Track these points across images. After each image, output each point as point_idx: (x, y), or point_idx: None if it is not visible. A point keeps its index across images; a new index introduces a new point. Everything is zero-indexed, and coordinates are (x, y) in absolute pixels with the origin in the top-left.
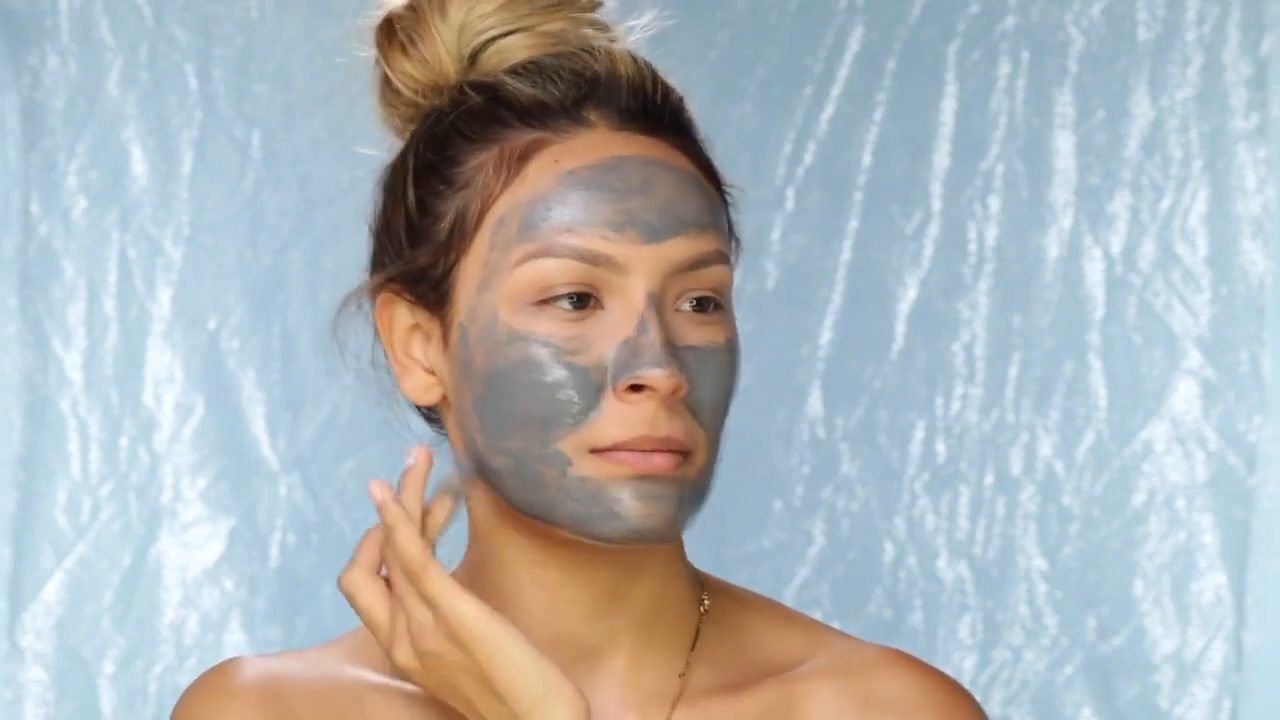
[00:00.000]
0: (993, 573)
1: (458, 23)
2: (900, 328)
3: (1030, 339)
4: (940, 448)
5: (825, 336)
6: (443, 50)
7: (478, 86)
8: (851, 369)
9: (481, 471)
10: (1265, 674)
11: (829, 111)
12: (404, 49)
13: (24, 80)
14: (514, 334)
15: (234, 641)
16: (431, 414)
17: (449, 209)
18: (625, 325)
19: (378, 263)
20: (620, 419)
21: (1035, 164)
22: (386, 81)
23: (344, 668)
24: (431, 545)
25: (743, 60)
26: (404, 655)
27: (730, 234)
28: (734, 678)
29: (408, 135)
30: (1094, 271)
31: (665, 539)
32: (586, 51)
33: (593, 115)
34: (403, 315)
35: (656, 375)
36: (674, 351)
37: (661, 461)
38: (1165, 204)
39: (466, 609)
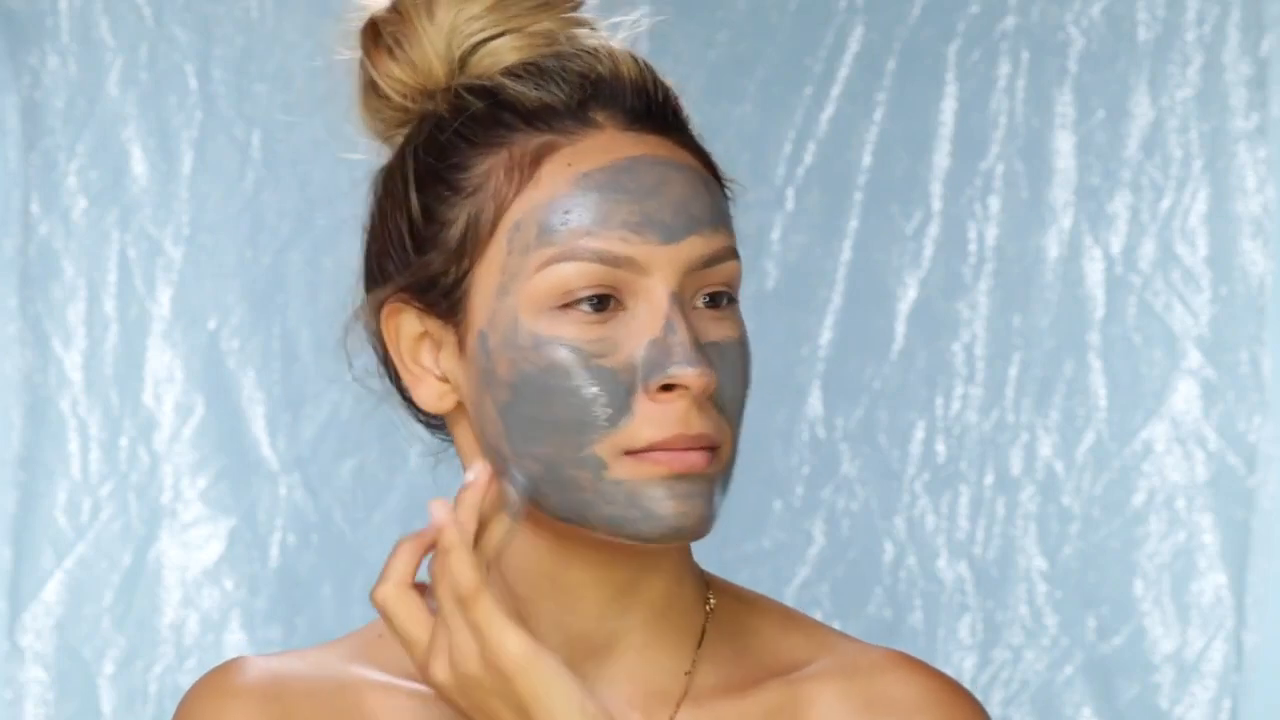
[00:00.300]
0: (993, 573)
1: (446, 25)
2: (900, 328)
3: (1030, 339)
4: (940, 448)
5: (825, 336)
6: (431, 53)
7: (475, 90)
8: (851, 369)
9: (505, 476)
10: (1265, 674)
11: (829, 111)
12: (390, 52)
13: (24, 80)
14: (538, 339)
15: (234, 641)
16: (432, 421)
17: (459, 215)
18: (652, 325)
19: (379, 271)
20: (654, 419)
21: (1035, 164)
22: (372, 85)
23: (346, 667)
24: (485, 566)
25: (743, 60)
26: (442, 673)
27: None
28: (739, 678)
29: (396, 139)
30: (1094, 271)
31: (701, 535)
32: (588, 52)
33: (599, 116)
34: (410, 323)
35: (690, 374)
36: (702, 349)
37: (696, 459)
38: (1165, 204)
39: (513, 641)
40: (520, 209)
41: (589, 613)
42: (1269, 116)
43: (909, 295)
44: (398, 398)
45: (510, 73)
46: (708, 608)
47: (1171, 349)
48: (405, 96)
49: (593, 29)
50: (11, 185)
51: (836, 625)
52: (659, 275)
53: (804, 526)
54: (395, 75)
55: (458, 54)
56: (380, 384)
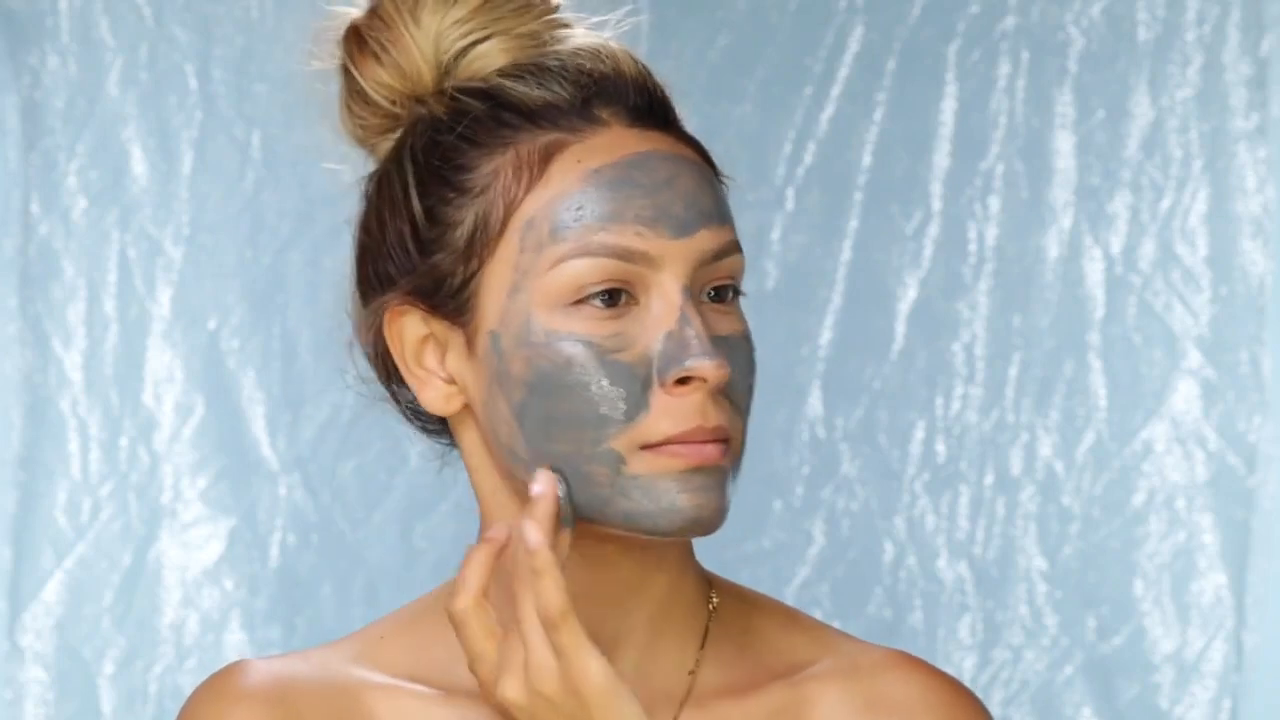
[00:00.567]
0: (993, 573)
1: (433, 30)
2: (900, 328)
3: (1030, 339)
4: (940, 448)
5: (825, 336)
6: (419, 58)
7: (472, 93)
8: (851, 369)
9: (516, 478)
10: (1265, 674)
11: (829, 111)
12: (377, 58)
13: (24, 80)
14: (552, 335)
15: (234, 641)
16: (429, 426)
17: (465, 216)
18: (666, 319)
19: (377, 276)
20: (670, 412)
21: (1035, 164)
22: (358, 92)
23: (349, 669)
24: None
25: (743, 60)
26: (513, 691)
27: None
28: (741, 678)
29: (382, 145)
30: (1094, 271)
31: (717, 526)
32: (589, 51)
33: (604, 114)
34: (414, 326)
35: (707, 366)
36: (717, 341)
37: (712, 451)
38: (1165, 204)
39: (596, 668)
40: (531, 207)
41: (592, 612)
42: (1269, 116)
43: (909, 295)
44: (395, 402)
45: (508, 74)
46: (710, 607)
47: (1171, 349)
48: (394, 102)
49: (573, 29)
50: (11, 185)
51: (836, 625)
52: (671, 269)
53: (804, 526)
54: (383, 81)
55: (445, 58)
56: (379, 390)
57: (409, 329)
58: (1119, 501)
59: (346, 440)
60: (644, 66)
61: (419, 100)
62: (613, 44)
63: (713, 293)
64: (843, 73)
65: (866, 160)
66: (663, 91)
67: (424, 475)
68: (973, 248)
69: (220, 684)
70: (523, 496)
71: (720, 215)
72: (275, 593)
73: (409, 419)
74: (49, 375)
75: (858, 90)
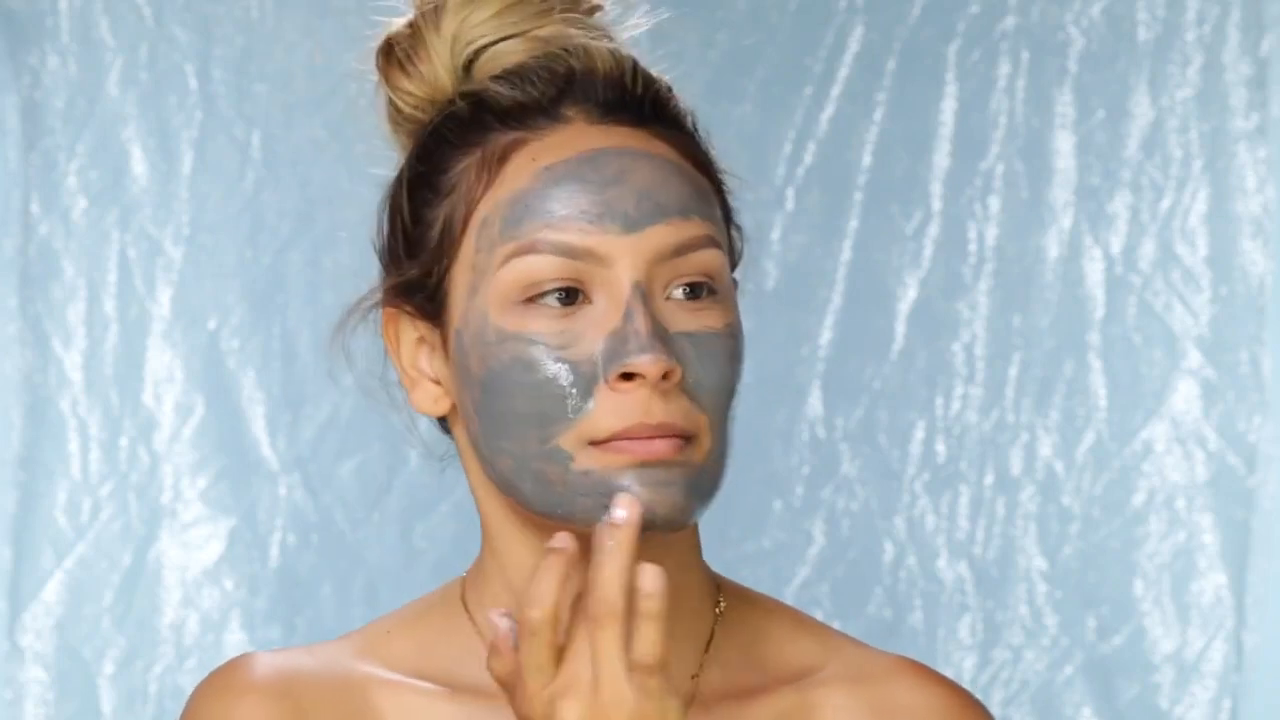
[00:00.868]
0: (993, 573)
1: (450, 34)
2: (900, 328)
3: (1030, 339)
4: (940, 448)
5: (825, 336)
6: (438, 63)
7: (465, 95)
8: (851, 369)
9: (489, 475)
10: (1265, 674)
11: (829, 111)
12: (402, 67)
13: (24, 80)
14: (504, 334)
15: (234, 641)
16: (444, 425)
17: (437, 216)
18: (612, 316)
19: (383, 279)
20: (614, 409)
21: (1035, 164)
22: (390, 102)
23: (354, 664)
24: None
25: (743, 60)
26: (575, 715)
27: (729, 221)
28: (747, 682)
29: None
30: (1094, 271)
31: (676, 525)
32: (564, 50)
33: (570, 111)
34: (408, 328)
35: (644, 361)
36: (663, 337)
37: (662, 446)
38: (1165, 204)
39: (675, 714)
40: (487, 206)
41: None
42: (1269, 116)
43: (909, 295)
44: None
45: (496, 76)
46: (717, 610)
47: (1171, 349)
48: (418, 108)
49: (597, 31)
50: (11, 185)
51: (836, 625)
52: (622, 266)
53: (804, 526)
54: (407, 89)
55: (461, 61)
56: (382, 394)
57: (405, 331)
58: (1119, 501)
59: (346, 440)
60: (629, 61)
61: (439, 105)
62: (592, 41)
63: (688, 289)
64: (843, 73)
65: (866, 160)
66: (649, 85)
67: (424, 475)
68: (973, 248)
69: (227, 677)
70: (501, 493)
71: (683, 210)
72: (275, 593)
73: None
74: (49, 375)
75: (858, 90)
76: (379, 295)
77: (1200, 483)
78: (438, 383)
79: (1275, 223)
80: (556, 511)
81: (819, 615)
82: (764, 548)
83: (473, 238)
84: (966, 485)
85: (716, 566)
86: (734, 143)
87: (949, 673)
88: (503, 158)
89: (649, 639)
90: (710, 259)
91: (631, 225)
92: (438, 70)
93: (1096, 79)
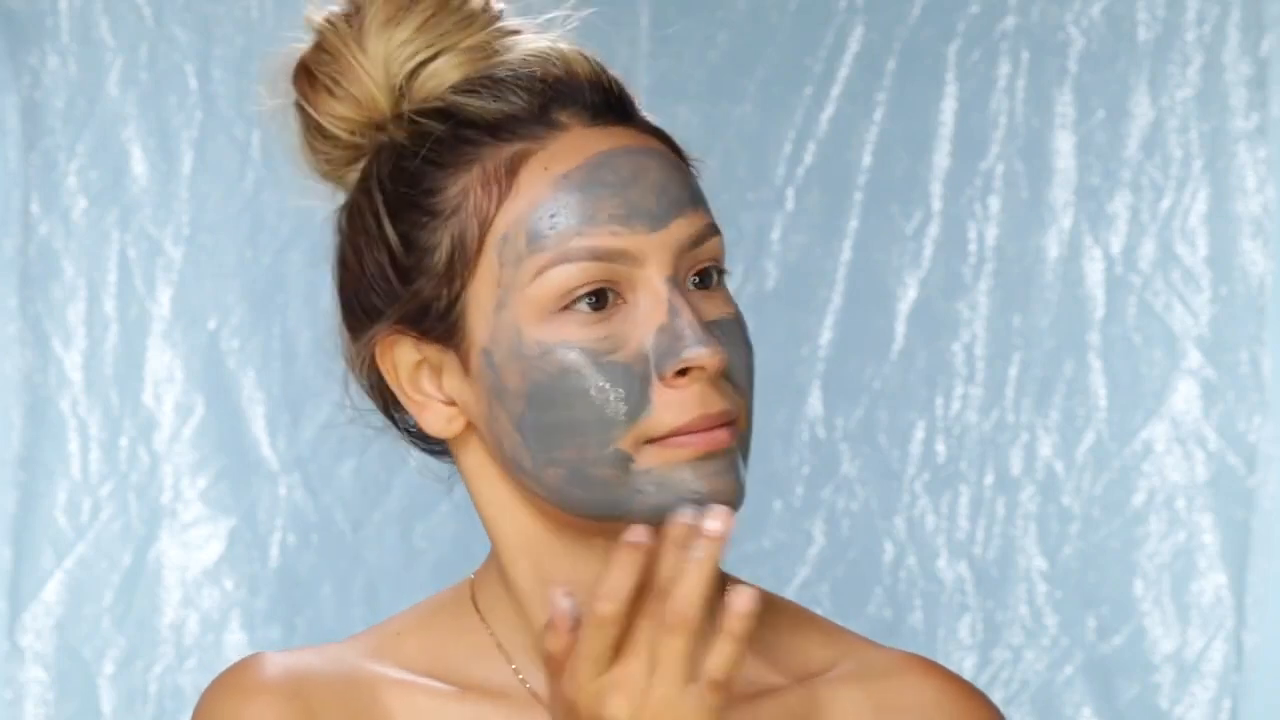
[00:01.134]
0: (993, 573)
1: (380, 55)
2: (900, 328)
3: (1030, 339)
4: (940, 448)
5: (825, 336)
6: (371, 85)
7: (431, 114)
8: (851, 369)
9: (527, 488)
10: (1265, 674)
11: (829, 111)
12: (329, 91)
13: (24, 80)
14: (544, 346)
15: (234, 641)
16: (434, 446)
17: (441, 239)
18: (656, 313)
19: (363, 309)
20: (673, 405)
21: (1035, 164)
22: (316, 128)
23: (364, 664)
24: None
25: (743, 60)
26: (623, 712)
27: None
28: (756, 679)
29: (348, 177)
30: (1094, 271)
31: (738, 506)
32: (538, 56)
33: (563, 117)
34: (406, 353)
35: (703, 354)
36: (710, 328)
37: (721, 435)
38: (1165, 204)
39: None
40: (505, 221)
41: None
42: (1269, 116)
43: (909, 295)
44: (395, 429)
45: (462, 90)
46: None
47: (1171, 349)
48: (354, 133)
49: (519, 34)
50: (11, 185)
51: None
52: (654, 263)
53: (804, 526)
54: (339, 113)
55: (397, 81)
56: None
57: (402, 357)
58: (1119, 501)
59: (346, 440)
60: (597, 63)
61: (378, 127)
62: (561, 45)
63: (697, 279)
64: (843, 73)
65: (866, 160)
66: (619, 85)
67: (427, 478)
68: (973, 248)
69: (238, 677)
70: (542, 501)
71: (692, 201)
72: (275, 593)
73: (412, 443)
74: (49, 375)
75: (858, 90)
76: (382, 326)
77: (1200, 483)
78: (451, 403)
79: (1275, 223)
80: (613, 512)
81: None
82: (764, 548)
83: (493, 254)
84: (966, 485)
85: None
86: (734, 143)
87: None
88: (511, 171)
89: (726, 657)
90: (718, 245)
91: (656, 222)
92: (372, 92)
93: (1096, 79)
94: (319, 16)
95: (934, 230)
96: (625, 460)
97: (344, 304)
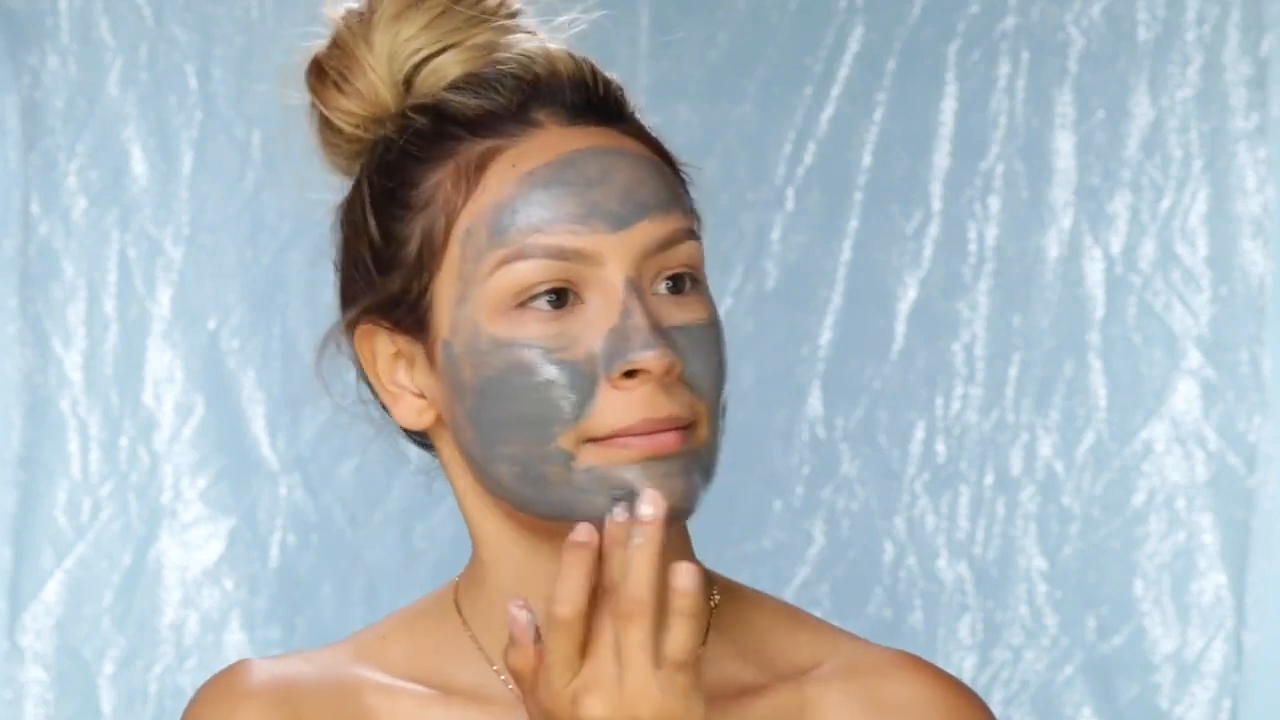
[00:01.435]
0: (993, 573)
1: (386, 50)
2: (900, 328)
3: (1030, 339)
4: (940, 448)
5: (825, 336)
6: (376, 80)
7: (420, 109)
8: (851, 369)
9: (485, 484)
10: (1265, 674)
11: (829, 111)
12: (337, 86)
13: (24, 80)
14: (498, 341)
15: (234, 641)
16: (421, 440)
17: (414, 231)
18: (609, 314)
19: (348, 298)
20: (617, 406)
21: (1035, 164)
22: (326, 123)
23: (349, 669)
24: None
25: (743, 60)
26: (601, 710)
27: (693, 212)
28: (743, 679)
29: (357, 171)
30: (1094, 271)
31: (686, 514)
32: (524, 56)
33: (540, 115)
34: (384, 344)
35: (649, 357)
36: (663, 332)
37: (668, 439)
38: (1165, 204)
39: (700, 713)
40: (470, 215)
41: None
42: (1269, 116)
43: (909, 295)
44: (388, 420)
45: (452, 86)
46: (712, 604)
47: (1171, 349)
48: (358, 127)
49: (531, 34)
50: (11, 185)
51: (836, 625)
52: (613, 264)
53: (804, 526)
54: (345, 108)
55: (401, 76)
56: (368, 413)
57: (380, 347)
58: (1119, 501)
59: (346, 440)
60: (587, 64)
61: (381, 122)
62: (549, 44)
63: (671, 283)
64: (843, 73)
65: (866, 160)
66: (609, 86)
67: (424, 475)
68: (973, 248)
69: (225, 683)
70: (499, 499)
71: (663, 204)
72: (275, 593)
73: (405, 436)
74: (49, 375)
75: (858, 90)
76: (356, 313)
77: (1200, 483)
78: (421, 396)
79: (1275, 223)
80: (560, 512)
81: (819, 615)
82: (764, 548)
83: (457, 248)
84: (966, 485)
85: (716, 566)
86: (734, 143)
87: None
88: (480, 166)
89: (681, 636)
90: (691, 251)
91: (619, 223)
92: (376, 87)
93: (1096, 79)
94: (336, 13)
95: (934, 230)
96: (567, 458)
97: (340, 295)
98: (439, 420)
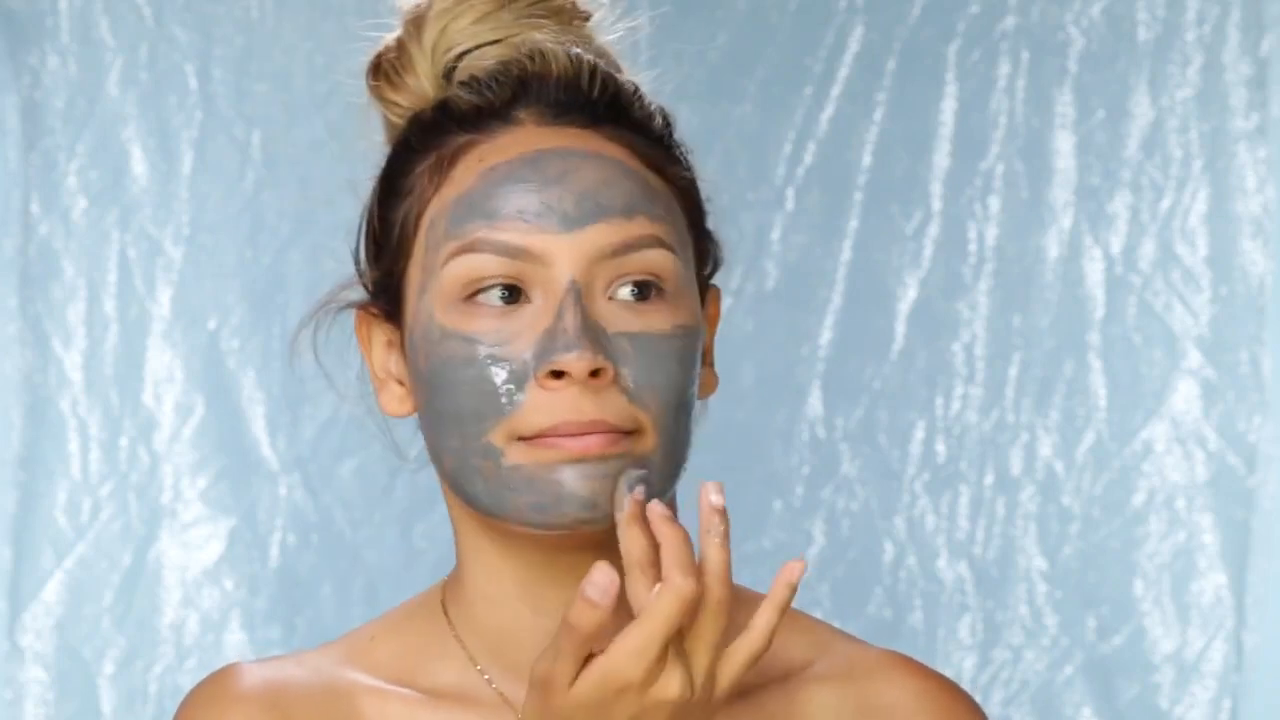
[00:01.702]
0: (993, 573)
1: (430, 45)
2: (900, 328)
3: (1030, 339)
4: (940, 448)
5: (825, 336)
6: (421, 73)
7: (435, 103)
8: (851, 369)
9: (441, 475)
10: (1265, 674)
11: (829, 111)
12: (389, 80)
13: (24, 80)
14: (445, 332)
15: (234, 641)
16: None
17: (397, 218)
18: (546, 315)
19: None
20: (543, 406)
21: (1035, 164)
22: (384, 117)
23: (339, 671)
24: None
25: (743, 60)
26: (677, 690)
27: (699, 225)
28: None
29: None
30: (1094, 271)
31: (602, 521)
32: (523, 54)
33: (522, 113)
34: (378, 331)
35: (569, 359)
36: (595, 335)
37: (594, 442)
38: (1165, 204)
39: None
40: (435, 207)
41: (558, 612)
42: (1269, 116)
43: (909, 295)
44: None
45: (462, 81)
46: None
47: (1171, 349)
48: (403, 119)
49: (589, 39)
50: (11, 185)
51: (836, 625)
52: (560, 265)
53: (804, 526)
54: (394, 100)
55: (441, 70)
56: (367, 400)
57: (376, 334)
58: (1119, 501)
59: (346, 440)
60: (587, 64)
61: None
62: (548, 43)
63: (636, 290)
64: (843, 73)
65: (866, 160)
66: (606, 86)
67: (424, 475)
68: (973, 248)
69: (216, 686)
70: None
71: (628, 209)
72: (275, 593)
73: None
74: (49, 375)
75: (858, 90)
76: (344, 300)
77: (1200, 483)
78: (401, 383)
79: (1275, 223)
80: (491, 509)
81: (819, 615)
82: (764, 548)
83: (423, 238)
84: (966, 485)
85: None
86: (734, 143)
87: (949, 673)
88: (453, 160)
89: (765, 634)
90: (656, 259)
91: (570, 224)
92: (421, 80)
93: (1096, 79)
94: (404, 6)
95: (934, 230)
96: (496, 454)
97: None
98: (415, 408)
